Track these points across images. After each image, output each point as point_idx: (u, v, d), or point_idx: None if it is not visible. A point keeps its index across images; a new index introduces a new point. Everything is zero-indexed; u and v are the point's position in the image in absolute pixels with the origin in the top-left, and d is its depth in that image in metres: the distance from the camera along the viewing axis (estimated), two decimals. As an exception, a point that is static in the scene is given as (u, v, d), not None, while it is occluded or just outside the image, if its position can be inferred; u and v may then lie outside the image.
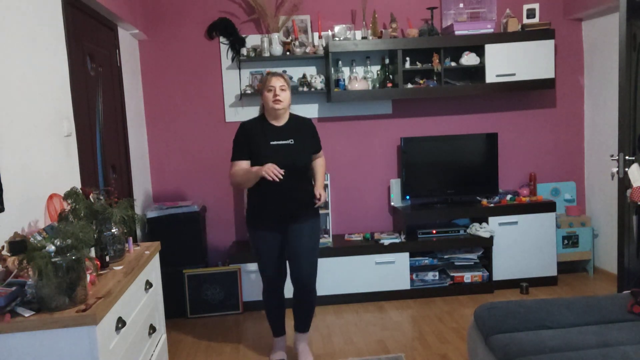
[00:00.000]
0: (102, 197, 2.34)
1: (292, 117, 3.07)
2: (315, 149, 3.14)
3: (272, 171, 2.76)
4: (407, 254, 4.13)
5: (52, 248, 1.69)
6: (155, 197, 4.42)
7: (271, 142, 2.94)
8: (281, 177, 2.78)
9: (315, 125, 4.32)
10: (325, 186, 4.25)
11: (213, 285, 4.03)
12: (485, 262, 4.30)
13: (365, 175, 4.54)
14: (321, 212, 4.17)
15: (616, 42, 3.26)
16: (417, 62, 4.28)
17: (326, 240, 4.16)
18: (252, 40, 4.30)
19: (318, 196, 3.00)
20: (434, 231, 4.25)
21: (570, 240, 4.45)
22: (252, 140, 2.97)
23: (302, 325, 3.23)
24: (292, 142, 2.97)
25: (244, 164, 2.95)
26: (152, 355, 2.36)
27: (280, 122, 3.01)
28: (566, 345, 2.09)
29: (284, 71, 4.25)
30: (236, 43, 4.21)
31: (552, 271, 4.31)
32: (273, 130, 2.98)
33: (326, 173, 4.25)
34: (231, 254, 4.15)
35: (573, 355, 1.99)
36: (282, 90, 2.94)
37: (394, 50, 4.16)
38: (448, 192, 4.42)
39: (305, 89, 4.24)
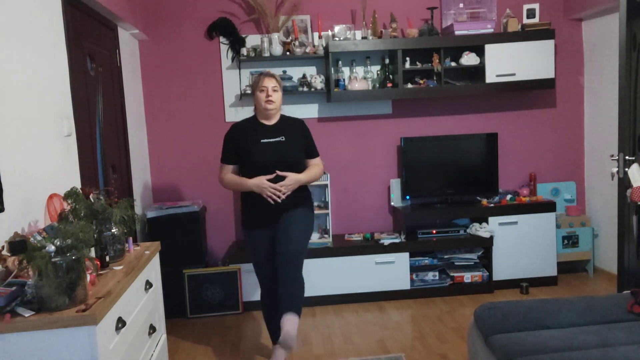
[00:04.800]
0: (102, 197, 2.34)
1: (283, 117, 3.11)
2: (308, 152, 3.10)
3: (270, 192, 2.89)
4: (407, 254, 4.13)
5: (52, 248, 1.69)
6: (155, 197, 4.42)
7: (262, 140, 2.97)
8: (281, 198, 2.88)
9: (316, 125, 4.38)
10: (325, 186, 4.26)
11: (213, 285, 4.02)
12: (485, 262, 4.30)
13: (365, 175, 4.54)
14: (322, 212, 4.18)
15: (616, 42, 3.26)
16: (417, 62, 4.28)
17: (326, 240, 4.16)
18: (252, 40, 4.30)
19: (286, 179, 2.91)
20: (434, 231, 4.25)
21: (570, 240, 4.45)
22: (241, 139, 3.01)
23: (289, 304, 2.78)
24: (283, 139, 3.00)
25: (231, 169, 3.06)
26: (152, 355, 2.36)
27: (272, 122, 3.05)
28: (566, 345, 2.09)
29: (284, 71, 4.28)
30: (236, 43, 4.21)
31: (552, 271, 4.31)
32: (264, 129, 3.02)
33: (326, 173, 4.26)
34: (231, 254, 4.15)
35: (573, 355, 1.99)
36: (275, 91, 2.98)
37: (394, 50, 4.16)
38: (448, 192, 4.42)
39: (305, 89, 4.24)
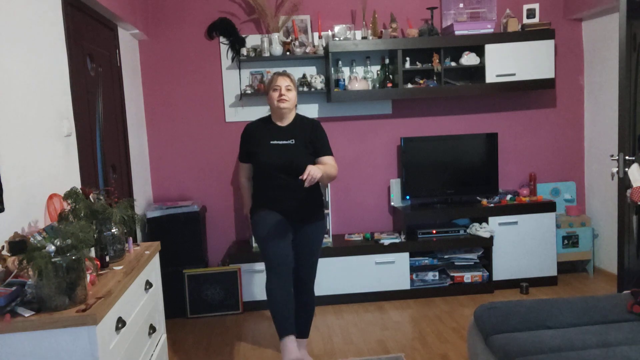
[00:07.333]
0: (102, 197, 2.34)
1: (298, 117, 3.06)
2: (319, 152, 2.99)
3: None
4: (407, 254, 4.13)
5: (52, 248, 1.69)
6: (155, 197, 4.42)
7: (271, 142, 2.95)
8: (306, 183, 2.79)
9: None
10: (325, 186, 4.25)
11: (213, 285, 4.03)
12: (485, 262, 4.30)
13: (365, 175, 4.54)
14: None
15: (616, 42, 3.26)
16: (417, 62, 4.28)
17: (326, 240, 4.15)
18: (252, 40, 4.30)
19: (307, 171, 2.65)
20: (434, 231, 4.25)
21: (570, 240, 4.45)
22: (252, 140, 3.01)
23: (303, 331, 3.19)
24: (293, 142, 2.96)
25: (246, 168, 3.14)
26: (152, 355, 2.36)
27: (285, 123, 3.01)
28: (566, 345, 2.09)
29: (284, 71, 4.27)
30: (236, 43, 4.21)
31: (552, 271, 4.31)
32: (275, 130, 2.99)
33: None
34: (231, 254, 4.15)
35: (573, 355, 1.99)
36: (288, 90, 2.95)
37: (394, 50, 4.16)
38: (448, 192, 4.42)
39: (305, 89, 4.24)
